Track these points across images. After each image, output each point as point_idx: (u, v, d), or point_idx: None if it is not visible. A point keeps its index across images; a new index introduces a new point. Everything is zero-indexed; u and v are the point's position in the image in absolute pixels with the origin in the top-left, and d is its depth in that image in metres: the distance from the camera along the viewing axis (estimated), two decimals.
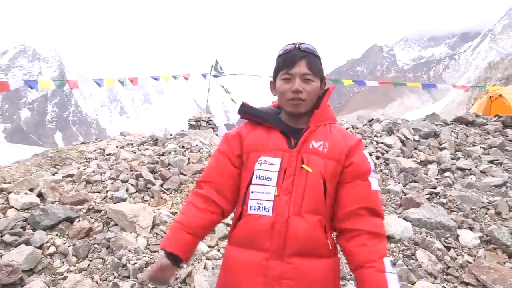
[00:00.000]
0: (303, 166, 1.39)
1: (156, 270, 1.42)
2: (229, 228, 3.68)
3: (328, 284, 1.39)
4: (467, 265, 3.23)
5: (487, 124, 7.43)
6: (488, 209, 4.23)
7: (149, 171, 4.54)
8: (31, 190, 3.97)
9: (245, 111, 1.54)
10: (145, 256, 2.88)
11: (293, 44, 1.47)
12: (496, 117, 7.76)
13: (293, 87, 1.41)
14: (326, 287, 1.38)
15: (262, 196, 1.40)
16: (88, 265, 2.94)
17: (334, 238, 1.47)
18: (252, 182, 1.42)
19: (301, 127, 1.46)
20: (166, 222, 3.56)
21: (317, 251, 1.38)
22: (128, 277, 2.71)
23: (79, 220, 3.48)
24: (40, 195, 3.87)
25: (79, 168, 4.91)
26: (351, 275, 2.95)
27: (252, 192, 1.42)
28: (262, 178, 1.41)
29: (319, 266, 1.38)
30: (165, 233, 3.38)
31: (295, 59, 1.43)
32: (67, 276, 2.76)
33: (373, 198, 1.42)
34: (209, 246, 3.17)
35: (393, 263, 1.36)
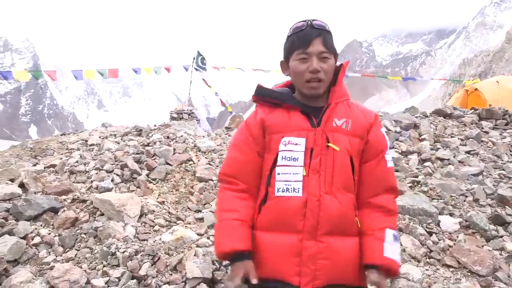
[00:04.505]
0: (330, 144, 1.38)
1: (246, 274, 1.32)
2: None
3: (358, 262, 1.41)
4: (448, 249, 3.36)
5: (464, 117, 7.68)
6: (467, 197, 4.39)
7: (135, 161, 4.48)
8: (12, 180, 3.85)
9: (262, 93, 1.50)
10: (134, 245, 2.86)
11: (304, 21, 1.43)
12: (472, 110, 8.04)
13: (311, 67, 1.38)
14: (356, 265, 1.40)
15: (289, 177, 1.37)
16: (76, 254, 2.89)
17: None
18: (278, 164, 1.39)
19: (319, 105, 1.45)
20: (153, 211, 3.54)
21: (347, 230, 1.39)
22: (118, 266, 2.69)
23: (64, 210, 3.41)
24: (22, 185, 3.76)
25: (61, 159, 4.80)
26: None
27: (278, 174, 1.39)
28: (288, 158, 1.38)
29: (350, 244, 1.39)
30: (153, 221, 3.36)
31: (310, 38, 1.38)
32: (54, 266, 2.70)
33: (388, 176, 1.48)
34: (198, 234, 3.17)
35: (397, 238, 1.43)
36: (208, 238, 3.12)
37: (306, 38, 1.39)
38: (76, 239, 3.06)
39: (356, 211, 1.45)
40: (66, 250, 2.97)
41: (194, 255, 2.76)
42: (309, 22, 1.41)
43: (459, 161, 5.70)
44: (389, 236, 1.38)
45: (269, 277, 1.35)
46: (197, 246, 2.92)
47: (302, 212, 1.34)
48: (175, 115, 11.69)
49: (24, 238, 3.03)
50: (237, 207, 1.41)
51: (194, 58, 13.77)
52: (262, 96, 1.50)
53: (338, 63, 1.51)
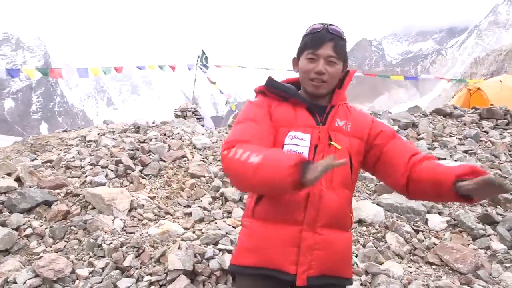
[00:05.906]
0: (332, 143, 1.45)
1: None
2: (205, 212, 3.74)
3: (348, 255, 1.51)
4: (433, 247, 3.38)
5: (464, 116, 7.64)
6: None
7: (129, 157, 4.58)
8: (9, 174, 3.97)
9: (272, 85, 1.55)
10: (120, 237, 2.94)
11: (321, 24, 1.49)
12: (473, 109, 7.98)
13: (316, 68, 1.45)
14: (346, 258, 1.49)
15: None
16: (65, 246, 3.00)
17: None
18: None
19: (322, 105, 1.52)
20: (143, 205, 3.63)
21: (342, 224, 1.47)
22: (103, 257, 2.78)
23: (57, 204, 3.51)
24: (18, 179, 3.88)
25: (59, 154, 4.92)
26: None
27: None
28: (293, 152, 1.43)
29: (343, 238, 1.47)
30: (142, 215, 3.45)
31: (322, 40, 1.45)
32: (43, 256, 2.80)
33: (411, 146, 1.57)
34: (184, 228, 3.25)
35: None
36: (193, 232, 3.19)
37: (318, 40, 1.46)
38: (66, 231, 3.16)
39: (351, 208, 1.51)
40: (56, 242, 3.07)
41: (178, 248, 2.83)
42: (326, 26, 1.48)
43: (456, 161, 5.69)
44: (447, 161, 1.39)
45: (265, 266, 1.39)
46: (182, 239, 3.00)
47: (303, 204, 1.39)
48: (179, 113, 11.77)
49: (16, 229, 3.14)
50: (260, 149, 1.29)
51: (198, 57, 13.84)
52: (272, 87, 1.55)
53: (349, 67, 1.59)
